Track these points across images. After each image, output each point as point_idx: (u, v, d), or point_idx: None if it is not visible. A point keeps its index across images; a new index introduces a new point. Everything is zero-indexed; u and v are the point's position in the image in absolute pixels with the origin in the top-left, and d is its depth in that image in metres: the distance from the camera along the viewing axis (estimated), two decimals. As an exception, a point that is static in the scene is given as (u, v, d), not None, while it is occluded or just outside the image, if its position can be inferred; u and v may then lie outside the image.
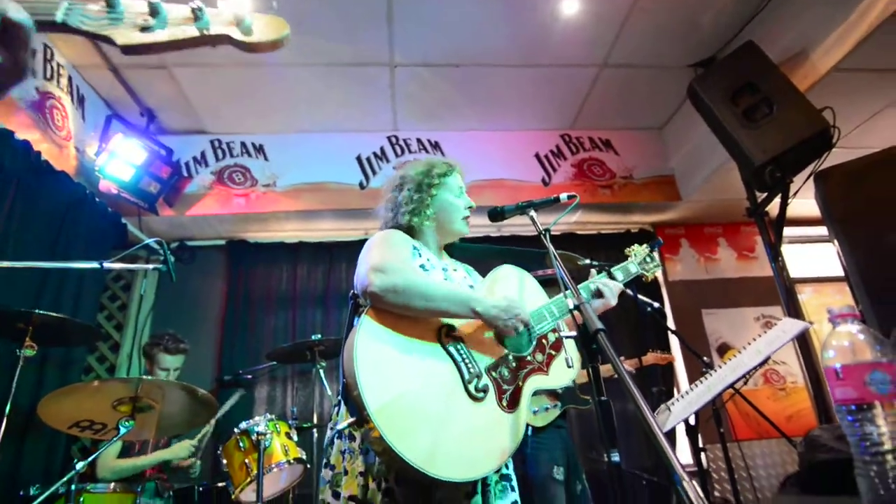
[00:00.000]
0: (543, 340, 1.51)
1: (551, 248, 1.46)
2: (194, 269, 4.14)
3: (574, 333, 1.23)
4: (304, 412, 3.66)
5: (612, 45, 3.49)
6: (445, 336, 1.37)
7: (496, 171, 4.16)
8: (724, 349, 4.10)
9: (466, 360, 1.35)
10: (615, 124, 4.36)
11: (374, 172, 4.09)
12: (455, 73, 3.65)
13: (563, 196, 1.71)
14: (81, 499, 1.89)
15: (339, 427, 1.30)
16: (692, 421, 1.70)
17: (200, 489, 2.52)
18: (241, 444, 2.41)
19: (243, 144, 4.08)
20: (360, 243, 4.04)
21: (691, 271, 4.44)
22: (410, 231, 1.72)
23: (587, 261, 2.07)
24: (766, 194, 3.10)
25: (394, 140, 4.20)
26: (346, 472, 1.33)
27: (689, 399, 1.45)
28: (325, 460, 1.43)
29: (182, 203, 3.87)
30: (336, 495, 1.32)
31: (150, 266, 2.61)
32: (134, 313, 4.00)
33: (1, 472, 1.96)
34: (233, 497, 2.34)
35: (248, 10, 0.78)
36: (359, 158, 4.11)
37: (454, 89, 3.80)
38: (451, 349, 1.35)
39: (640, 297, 2.89)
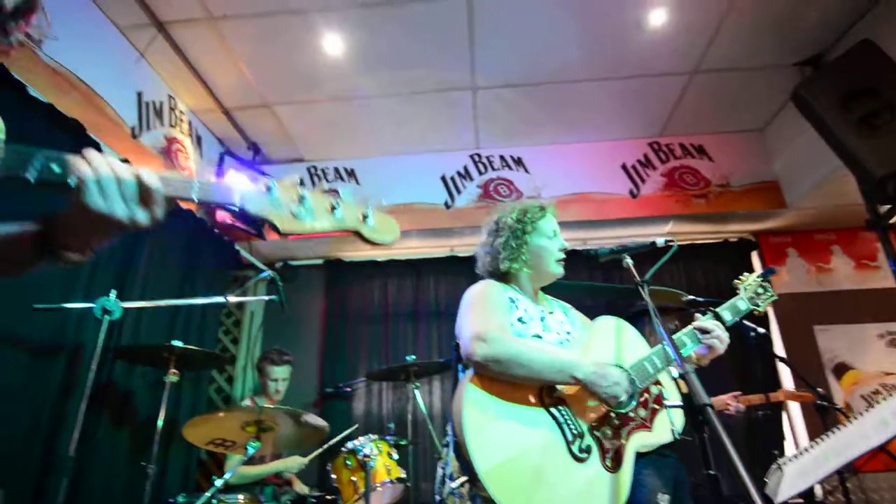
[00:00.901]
0: (646, 394, 1.52)
1: (651, 304, 1.46)
2: (296, 286, 4.48)
3: (679, 403, 1.24)
4: (399, 425, 3.85)
5: (704, 52, 3.32)
6: (547, 398, 1.42)
7: (581, 185, 4.10)
8: (841, 370, 3.76)
9: (569, 421, 1.39)
10: (709, 128, 4.12)
11: (458, 191, 4.19)
12: (536, 92, 3.64)
13: (660, 241, 1.70)
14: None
15: (453, 486, 1.40)
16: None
17: (313, 500, 2.77)
18: (348, 463, 2.62)
19: (336, 170, 4.35)
20: (445, 260, 4.17)
21: (801, 283, 4.10)
22: (507, 277, 1.79)
23: (689, 297, 2.01)
24: (889, 206, 2.81)
25: (476, 158, 4.27)
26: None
27: (806, 463, 1.39)
28: (437, 497, 1.54)
29: (285, 228, 4.21)
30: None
31: (266, 297, 2.87)
32: (247, 328, 4.42)
33: (152, 480, 2.28)
34: (342, 512, 2.56)
35: (368, 206, 0.94)
36: (443, 178, 4.23)
37: (535, 106, 3.79)
38: (554, 411, 1.40)
39: (744, 321, 2.74)
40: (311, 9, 2.90)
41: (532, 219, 1.81)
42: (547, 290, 1.88)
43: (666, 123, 4.06)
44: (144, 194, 0.73)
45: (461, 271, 4.29)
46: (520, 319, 1.62)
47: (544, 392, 1.43)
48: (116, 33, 2.94)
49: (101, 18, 2.84)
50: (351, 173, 4.34)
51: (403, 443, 3.09)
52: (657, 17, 3.07)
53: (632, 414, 1.47)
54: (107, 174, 0.71)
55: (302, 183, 0.93)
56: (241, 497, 2.51)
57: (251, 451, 2.27)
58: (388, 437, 2.88)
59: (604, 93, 3.68)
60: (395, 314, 4.35)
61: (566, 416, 1.40)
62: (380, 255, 4.45)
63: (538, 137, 4.16)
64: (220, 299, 2.62)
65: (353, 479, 2.56)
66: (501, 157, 4.25)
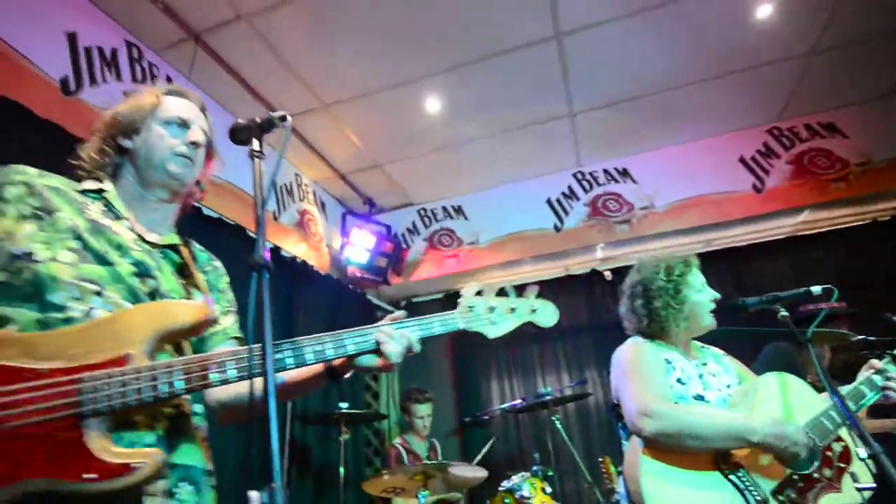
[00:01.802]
0: (828, 453, 1.48)
1: (818, 364, 1.42)
2: (421, 321, 4.77)
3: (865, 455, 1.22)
4: (539, 450, 3.94)
5: (821, 32, 3.04)
6: (723, 463, 1.44)
7: (696, 187, 3.92)
8: None
9: (750, 487, 1.41)
10: (836, 103, 3.74)
11: (566, 213, 4.20)
12: (636, 105, 3.57)
13: (816, 289, 1.61)
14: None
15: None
16: None
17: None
18: (506, 501, 2.77)
19: (444, 209, 4.57)
20: (558, 280, 4.17)
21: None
22: (661, 334, 1.79)
23: (859, 338, 1.89)
24: None
25: (579, 176, 4.25)
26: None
27: None
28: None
29: (406, 271, 4.51)
30: None
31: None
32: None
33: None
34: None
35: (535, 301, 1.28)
36: (549, 201, 4.26)
37: (637, 118, 3.71)
38: (732, 477, 1.42)
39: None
40: (410, 80, 3.12)
41: (682, 274, 1.81)
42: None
43: (785, 106, 3.76)
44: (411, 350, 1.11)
45: (577, 290, 4.30)
46: (679, 380, 1.64)
47: (720, 458, 1.45)
48: (252, 133, 3.38)
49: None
50: (458, 210, 4.53)
51: (550, 473, 3.19)
52: (763, 11, 2.88)
53: (816, 475, 1.44)
54: (397, 333, 1.09)
55: (480, 293, 1.25)
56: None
57: (422, 499, 2.52)
58: (536, 470, 3.00)
59: (710, 91, 3.50)
60: (517, 338, 4.43)
61: (746, 482, 1.42)
62: (495, 282, 4.57)
63: (642, 145, 4.05)
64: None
65: (499, 514, 2.71)
66: (606, 172, 4.20)
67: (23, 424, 0.80)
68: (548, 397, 3.33)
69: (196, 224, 2.62)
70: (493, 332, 1.24)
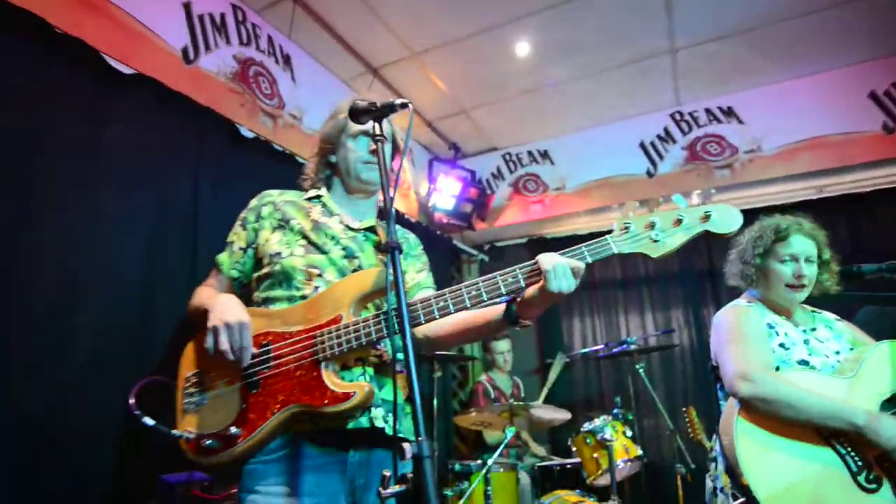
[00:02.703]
0: (944, 425, 1.42)
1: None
2: (504, 264, 4.85)
3: None
4: (620, 394, 4.02)
5: None
6: (825, 430, 1.44)
7: (813, 127, 3.55)
8: None
9: (852, 453, 1.40)
10: None
11: (660, 157, 3.99)
12: (745, 38, 3.22)
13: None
14: (489, 475, 2.65)
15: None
16: None
17: (557, 467, 3.17)
18: (588, 441, 2.92)
19: (530, 153, 4.50)
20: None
21: None
22: (758, 293, 1.78)
23: None
24: None
25: (678, 117, 3.98)
26: (731, 528, 1.58)
27: None
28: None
29: (490, 216, 4.57)
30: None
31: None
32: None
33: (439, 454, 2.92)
34: (587, 482, 2.89)
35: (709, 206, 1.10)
36: (642, 145, 4.06)
37: (746, 52, 3.35)
38: (834, 443, 1.42)
39: None
40: (499, 24, 3.03)
41: (766, 240, 1.75)
42: (807, 301, 1.81)
43: (935, 28, 3.21)
44: (575, 272, 1.12)
45: (669, 237, 4.15)
46: (781, 345, 1.62)
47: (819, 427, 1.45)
48: (343, 86, 3.49)
49: (332, 78, 3.40)
50: (545, 154, 4.45)
51: (631, 417, 3.28)
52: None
53: (929, 445, 1.40)
54: (559, 264, 1.11)
55: (643, 204, 1.16)
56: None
57: (509, 434, 2.72)
58: (617, 413, 3.10)
59: (834, 19, 3.07)
60: (603, 285, 4.43)
61: (848, 448, 1.41)
62: (581, 228, 4.51)
63: (751, 80, 3.67)
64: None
65: (595, 455, 2.85)
66: (708, 111, 3.89)
67: (287, 369, 1.19)
68: (632, 346, 3.36)
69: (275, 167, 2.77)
70: (657, 251, 1.11)
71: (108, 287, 1.83)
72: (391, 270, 1.03)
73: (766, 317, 1.69)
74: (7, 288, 1.58)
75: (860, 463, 1.39)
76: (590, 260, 1.14)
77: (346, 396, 1.12)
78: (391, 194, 1.12)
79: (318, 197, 1.48)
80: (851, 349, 1.68)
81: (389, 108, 1.21)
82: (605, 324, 4.34)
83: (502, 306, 1.26)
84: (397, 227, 1.46)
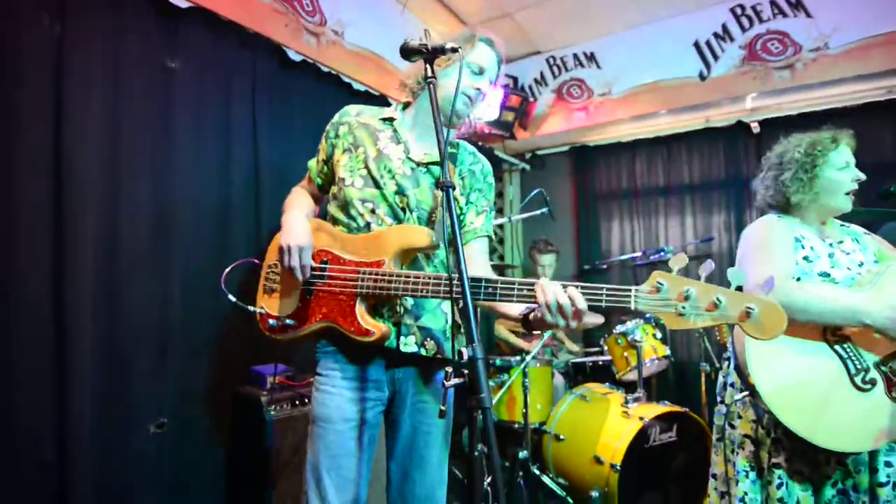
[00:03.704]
0: (949, 333, 1.53)
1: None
2: (545, 173, 4.92)
3: None
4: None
5: None
6: (831, 335, 1.58)
7: (892, 18, 3.22)
8: None
9: (853, 357, 1.55)
10: None
11: (715, 57, 3.76)
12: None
13: None
14: (526, 369, 2.98)
15: (737, 398, 1.75)
16: None
17: (590, 364, 3.47)
18: (619, 342, 3.17)
19: (575, 56, 4.32)
20: (698, 133, 3.95)
21: None
22: (791, 209, 1.83)
23: None
24: None
25: (739, 11, 3.67)
26: (739, 416, 1.80)
27: None
28: (719, 398, 1.93)
29: (533, 124, 4.54)
30: (732, 426, 1.82)
31: (538, 212, 3.36)
32: (507, 212, 5.13)
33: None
34: (617, 377, 3.18)
35: (756, 300, 0.99)
36: (696, 44, 3.82)
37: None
38: (837, 347, 1.57)
39: None
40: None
41: (823, 151, 1.77)
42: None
43: None
44: (577, 313, 1.12)
45: (716, 143, 4.05)
46: (805, 258, 1.71)
47: (828, 330, 1.59)
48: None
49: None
50: (591, 57, 4.27)
51: (661, 321, 3.48)
52: None
53: (929, 351, 1.53)
54: (553, 301, 1.12)
55: (686, 271, 1.05)
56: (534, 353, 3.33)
57: (546, 335, 2.99)
58: (649, 317, 3.30)
59: None
60: (645, 192, 4.42)
61: (850, 353, 1.56)
62: (625, 135, 4.43)
63: (827, -35, 3.31)
64: (503, 220, 3.25)
65: (625, 354, 3.12)
66: (773, 3, 3.56)
67: (335, 290, 1.41)
68: (668, 255, 3.47)
69: (346, 99, 2.91)
70: (674, 324, 1.05)
71: (191, 206, 2.10)
72: (447, 217, 1.13)
73: (796, 230, 1.76)
74: (114, 212, 1.87)
75: (858, 366, 1.55)
76: (604, 307, 1.11)
77: (367, 332, 1.35)
78: (446, 136, 1.20)
79: (392, 120, 1.53)
80: (876, 261, 1.76)
81: (440, 51, 1.26)
82: (644, 230, 4.40)
83: (522, 307, 1.31)
84: (472, 150, 1.59)
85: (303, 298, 1.46)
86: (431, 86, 1.26)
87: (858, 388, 1.54)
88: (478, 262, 1.53)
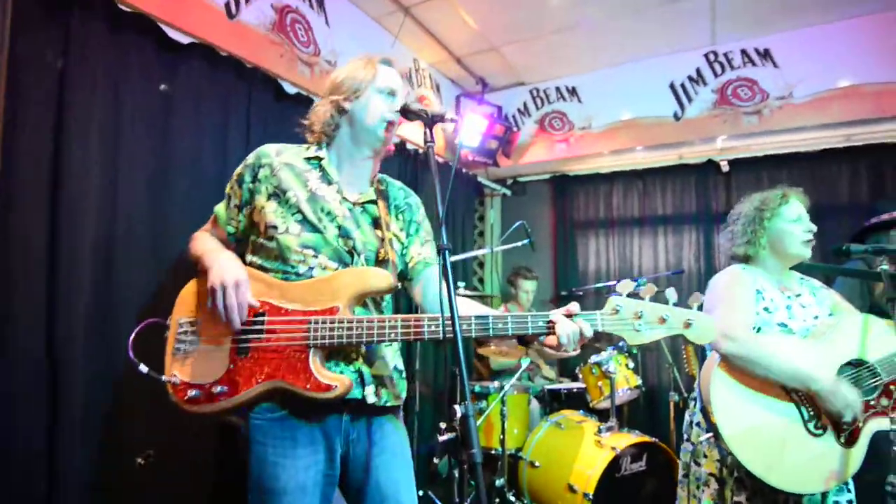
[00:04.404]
0: (892, 386, 1.68)
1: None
2: (526, 199, 5.05)
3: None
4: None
5: None
6: (790, 391, 1.72)
7: (852, 73, 3.46)
8: None
9: (805, 405, 1.69)
10: None
11: (689, 99, 3.97)
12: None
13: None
14: (505, 398, 3.07)
15: (702, 439, 1.87)
16: None
17: (565, 391, 3.58)
18: (593, 371, 3.29)
19: (558, 90, 4.49)
20: (672, 168, 4.12)
21: None
22: (749, 259, 1.99)
23: None
24: None
25: (711, 57, 3.90)
26: (704, 455, 1.92)
27: None
28: (686, 436, 2.05)
29: (515, 153, 4.67)
30: (697, 464, 1.94)
31: (519, 243, 3.48)
32: (488, 236, 5.24)
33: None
34: (590, 405, 3.30)
35: (693, 313, 1.23)
36: (672, 86, 4.02)
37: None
38: (793, 395, 1.71)
39: None
40: (536, -35, 2.97)
41: (773, 206, 1.93)
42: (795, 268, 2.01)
43: None
44: (582, 339, 1.24)
45: (689, 178, 4.25)
46: (765, 309, 1.85)
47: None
48: (375, 25, 3.52)
49: (364, 17, 3.43)
50: (573, 91, 4.44)
51: (634, 351, 3.62)
52: None
53: (873, 402, 1.68)
54: (572, 335, 1.21)
55: (636, 296, 1.25)
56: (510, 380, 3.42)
57: (525, 363, 3.10)
58: (622, 346, 3.43)
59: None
60: (620, 222, 4.59)
61: (804, 399, 1.70)
62: (604, 167, 4.60)
63: (790, 20, 3.54)
64: (486, 251, 3.36)
65: (599, 384, 3.24)
66: (744, 53, 3.80)
67: (280, 346, 1.26)
68: (641, 288, 3.61)
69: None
70: (634, 339, 1.22)
71: (188, 232, 2.13)
72: (443, 272, 1.12)
73: (757, 283, 1.91)
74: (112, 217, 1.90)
75: (811, 413, 1.68)
76: (601, 329, 1.24)
77: (328, 388, 1.22)
78: (442, 207, 1.20)
79: (319, 159, 1.45)
80: (831, 314, 1.92)
81: (439, 118, 1.31)
82: (619, 259, 4.56)
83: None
84: (398, 184, 1.57)
85: (233, 359, 1.28)
86: (431, 149, 1.29)
87: (811, 434, 1.67)
88: (434, 286, 1.49)
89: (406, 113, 1.40)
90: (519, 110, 4.67)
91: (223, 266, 1.29)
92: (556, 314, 1.25)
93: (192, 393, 1.26)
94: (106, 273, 1.89)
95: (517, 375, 3.05)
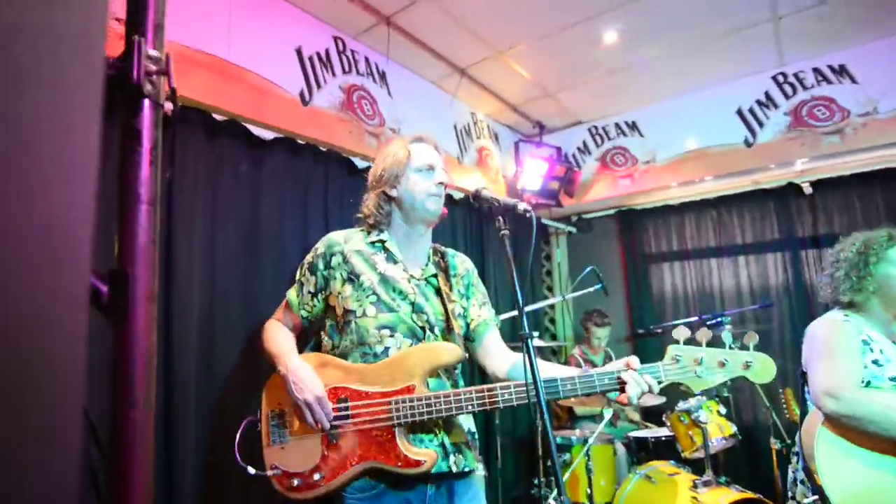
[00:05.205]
0: None
1: None
2: (592, 236, 4.98)
3: None
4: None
5: None
6: (905, 447, 1.57)
7: (944, 82, 3.21)
8: None
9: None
10: None
11: (760, 124, 3.80)
12: (865, -6, 2.93)
13: None
14: (590, 451, 2.97)
15: (807, 502, 1.73)
16: None
17: (652, 439, 3.41)
18: (682, 419, 3.12)
19: (617, 125, 4.46)
20: (745, 195, 3.93)
21: None
22: (854, 306, 1.85)
23: None
24: None
25: (781, 79, 3.73)
26: (811, 517, 1.77)
27: None
28: (790, 493, 1.91)
29: (579, 191, 4.65)
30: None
31: (592, 289, 3.43)
32: (556, 276, 5.19)
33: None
34: (683, 455, 3.12)
35: (751, 354, 1.25)
36: (739, 112, 3.88)
37: (859, 6, 3.04)
38: (913, 457, 1.55)
39: None
40: (586, 18, 3.03)
41: (877, 249, 1.80)
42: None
43: None
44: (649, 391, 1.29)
45: (766, 204, 4.03)
46: (875, 362, 1.71)
47: (900, 441, 1.57)
48: (433, 87, 3.70)
49: (423, 83, 3.62)
50: (633, 126, 4.39)
51: (726, 395, 3.40)
52: None
53: None
54: (641, 392, 1.28)
55: (691, 341, 1.29)
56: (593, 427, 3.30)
57: (607, 414, 3.00)
58: (712, 391, 3.24)
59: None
60: (695, 253, 4.41)
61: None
62: (673, 199, 4.47)
63: (868, 33, 3.34)
64: (559, 299, 3.34)
65: (690, 433, 3.06)
66: (816, 71, 3.61)
67: (366, 428, 1.35)
68: (726, 325, 3.42)
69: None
70: (697, 385, 1.28)
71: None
72: (527, 359, 1.20)
73: (863, 333, 1.77)
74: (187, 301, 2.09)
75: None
76: (664, 381, 1.30)
77: (417, 463, 1.30)
78: (517, 278, 1.30)
79: (382, 242, 1.54)
80: (950, 362, 1.74)
81: (512, 209, 1.39)
82: (698, 292, 4.35)
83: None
84: (453, 252, 1.67)
85: (326, 445, 1.36)
86: (506, 237, 1.37)
87: (940, 502, 1.51)
88: (500, 352, 1.57)
89: (477, 199, 1.48)
90: (579, 149, 4.66)
91: (300, 378, 1.38)
92: (625, 371, 1.29)
93: (294, 482, 1.35)
94: (209, 339, 2.09)
95: (599, 428, 2.95)
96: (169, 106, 0.73)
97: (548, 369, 1.42)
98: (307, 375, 1.39)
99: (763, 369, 1.25)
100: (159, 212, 0.72)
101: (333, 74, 2.94)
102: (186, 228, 2.05)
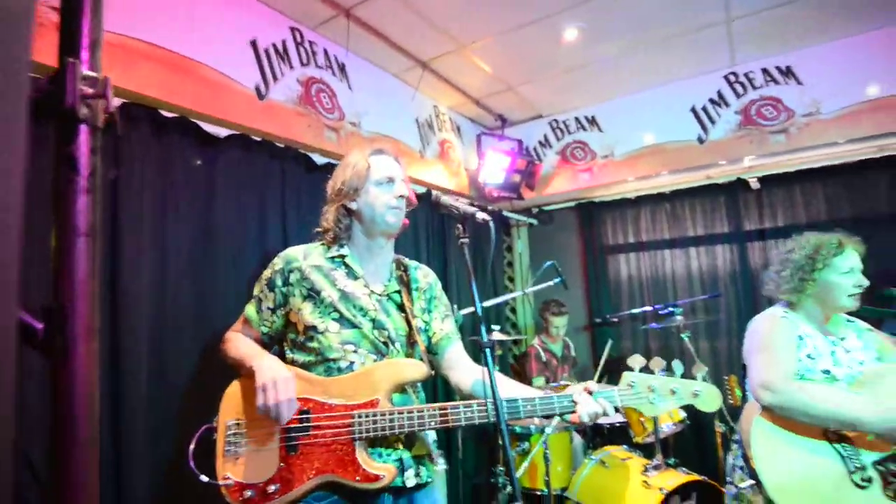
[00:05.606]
0: (944, 436, 1.64)
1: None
2: (553, 228, 5.08)
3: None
4: (665, 356, 4.27)
5: None
6: (831, 433, 1.70)
7: (878, 85, 3.40)
8: None
9: (851, 456, 1.67)
10: None
11: (712, 122, 3.95)
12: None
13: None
14: (547, 440, 3.07)
15: (745, 486, 1.86)
16: None
17: (607, 426, 3.56)
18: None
19: (577, 120, 4.53)
20: (697, 189, 4.07)
21: None
22: (792, 304, 1.97)
23: None
24: None
25: (732, 78, 3.87)
26: (749, 502, 1.91)
27: None
28: (729, 479, 2.04)
29: (539, 184, 4.72)
30: (742, 509, 1.93)
31: (551, 282, 3.51)
32: (517, 266, 5.28)
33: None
34: (634, 441, 3.27)
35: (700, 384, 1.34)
36: (693, 109, 4.01)
37: (807, 11, 3.18)
38: (837, 446, 1.69)
39: None
40: (547, 15, 3.05)
41: (826, 255, 1.89)
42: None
43: None
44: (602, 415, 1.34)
45: (718, 199, 4.20)
46: (808, 356, 1.84)
47: (828, 429, 1.70)
48: (395, 80, 3.66)
49: (384, 75, 3.57)
50: (592, 121, 4.47)
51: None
52: None
53: (925, 452, 1.64)
54: (592, 414, 1.33)
55: (644, 370, 1.39)
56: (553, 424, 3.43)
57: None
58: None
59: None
60: (651, 245, 4.56)
61: (849, 452, 1.68)
62: (630, 192, 4.59)
63: (815, 36, 3.50)
64: (519, 293, 3.40)
65: (641, 420, 3.21)
66: (765, 71, 3.76)
67: (326, 441, 1.34)
68: (678, 316, 3.58)
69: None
70: (650, 411, 1.36)
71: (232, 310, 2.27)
72: (486, 368, 1.24)
73: (799, 329, 1.89)
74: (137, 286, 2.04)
75: (856, 464, 1.66)
76: (620, 406, 1.38)
77: (377, 478, 1.30)
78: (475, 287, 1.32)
79: (342, 257, 1.54)
80: (878, 359, 1.88)
81: (471, 217, 1.37)
82: (652, 283, 4.51)
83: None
84: (415, 264, 1.68)
85: (283, 457, 1.34)
86: (465, 246, 1.38)
87: (857, 486, 1.65)
88: (463, 365, 1.59)
89: (437, 207, 1.48)
90: (540, 142, 4.72)
91: (272, 367, 1.37)
92: (579, 393, 1.35)
93: (247, 494, 1.31)
94: (161, 346, 2.04)
95: (556, 420, 3.05)
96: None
97: (511, 389, 1.45)
98: (276, 364, 1.38)
99: (710, 399, 1.35)
100: (98, 240, 0.70)
101: (291, 67, 2.87)
102: (134, 230, 1.97)
